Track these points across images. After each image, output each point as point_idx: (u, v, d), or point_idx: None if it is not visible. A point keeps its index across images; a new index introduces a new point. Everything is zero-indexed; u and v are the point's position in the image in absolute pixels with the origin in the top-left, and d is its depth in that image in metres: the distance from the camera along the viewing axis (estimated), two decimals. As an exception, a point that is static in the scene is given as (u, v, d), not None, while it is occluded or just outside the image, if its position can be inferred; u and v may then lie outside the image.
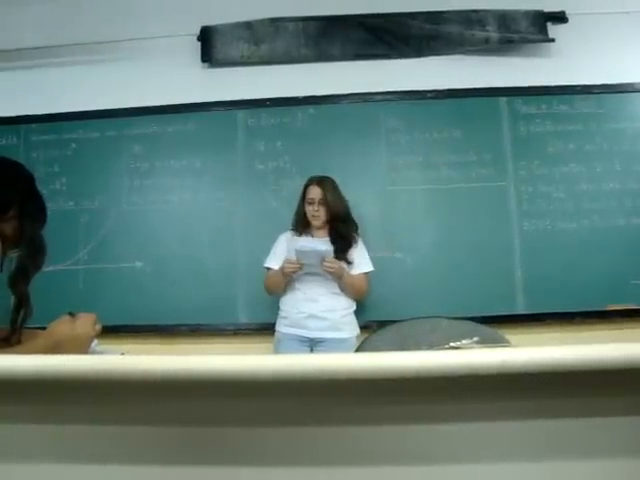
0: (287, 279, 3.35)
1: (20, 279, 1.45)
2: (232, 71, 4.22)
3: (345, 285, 3.35)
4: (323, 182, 3.45)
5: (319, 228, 3.46)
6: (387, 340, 2.06)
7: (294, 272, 3.28)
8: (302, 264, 3.25)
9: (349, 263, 3.36)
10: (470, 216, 3.91)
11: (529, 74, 4.06)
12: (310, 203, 3.41)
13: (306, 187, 3.48)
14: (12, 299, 1.45)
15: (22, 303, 1.45)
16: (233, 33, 4.18)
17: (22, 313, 1.44)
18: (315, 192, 3.41)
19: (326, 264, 3.23)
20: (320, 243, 3.31)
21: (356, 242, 3.45)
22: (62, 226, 3.90)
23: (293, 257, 3.27)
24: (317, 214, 3.39)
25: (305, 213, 3.45)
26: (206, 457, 0.84)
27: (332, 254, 3.27)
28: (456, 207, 3.93)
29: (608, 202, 3.88)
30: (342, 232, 3.42)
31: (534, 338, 3.65)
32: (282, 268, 3.30)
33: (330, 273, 3.27)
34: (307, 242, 3.33)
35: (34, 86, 4.21)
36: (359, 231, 3.54)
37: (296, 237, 3.44)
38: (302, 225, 3.48)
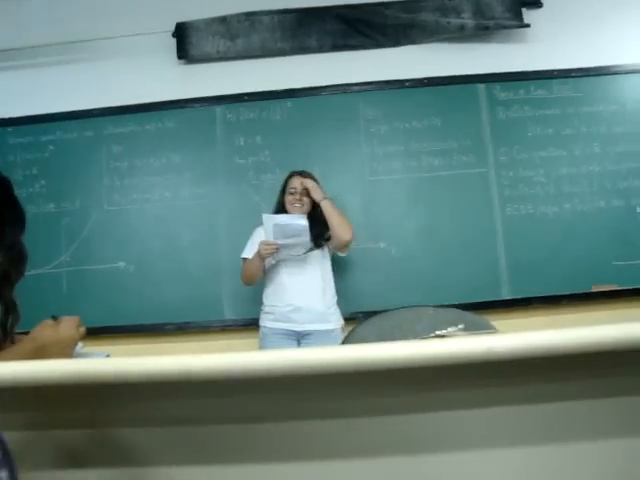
0: (266, 263, 3.33)
1: (4, 285, 1.44)
2: (209, 67, 4.20)
3: (330, 213, 3.31)
4: (305, 174, 3.44)
5: None
6: (373, 331, 2.07)
7: (271, 254, 3.24)
8: (279, 245, 3.21)
9: (328, 240, 3.37)
10: (452, 203, 3.92)
11: (506, 60, 4.08)
12: (292, 193, 3.38)
13: (287, 179, 3.46)
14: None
15: (9, 309, 1.43)
16: (208, 29, 4.16)
17: (10, 319, 1.43)
18: (297, 182, 3.39)
19: (304, 181, 3.33)
20: (298, 218, 3.24)
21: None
22: (43, 229, 3.87)
23: (269, 237, 3.22)
24: (299, 204, 3.35)
25: (284, 204, 3.42)
26: (195, 455, 0.83)
27: (307, 228, 3.20)
28: (438, 195, 3.94)
29: (588, 185, 3.90)
30: (321, 218, 3.36)
31: (521, 323, 3.67)
32: (259, 251, 3.25)
33: (312, 192, 3.32)
34: (285, 217, 3.26)
35: (8, 88, 4.18)
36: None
37: (271, 215, 3.33)
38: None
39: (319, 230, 3.34)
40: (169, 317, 3.86)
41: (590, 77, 4.02)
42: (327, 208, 3.32)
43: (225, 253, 3.89)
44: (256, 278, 3.40)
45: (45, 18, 4.17)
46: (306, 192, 3.37)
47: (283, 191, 3.46)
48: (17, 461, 0.83)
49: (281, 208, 3.43)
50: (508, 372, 0.77)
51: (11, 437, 0.83)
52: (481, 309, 3.04)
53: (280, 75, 4.10)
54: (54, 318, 1.41)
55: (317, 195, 3.32)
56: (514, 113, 4.01)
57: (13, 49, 4.17)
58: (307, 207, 3.38)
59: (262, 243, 3.24)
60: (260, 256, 3.26)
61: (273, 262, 3.36)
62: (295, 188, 3.38)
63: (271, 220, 3.24)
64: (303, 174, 3.44)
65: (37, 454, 0.84)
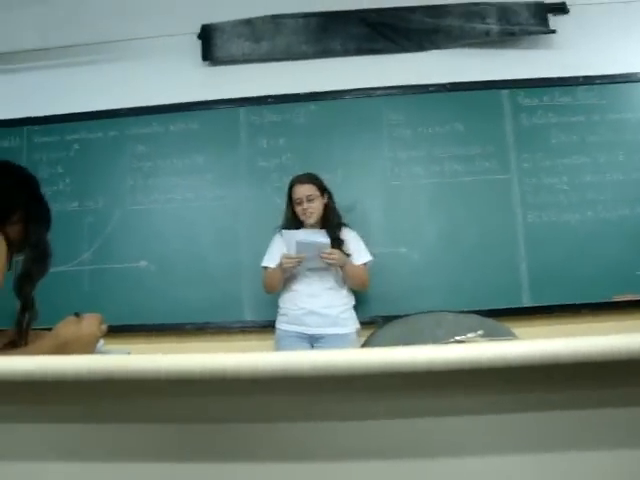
0: (286, 274, 3.33)
1: (25, 283, 1.46)
2: (233, 69, 4.21)
3: (348, 275, 3.33)
4: (302, 179, 3.41)
5: (312, 225, 3.39)
6: (393, 335, 2.07)
7: (294, 267, 3.26)
8: (301, 258, 3.22)
9: (347, 255, 3.34)
10: (474, 209, 3.90)
11: (531, 66, 4.05)
12: (298, 203, 3.36)
13: (290, 188, 3.42)
14: (17, 302, 1.46)
15: (27, 307, 1.45)
16: (233, 31, 4.18)
17: (27, 316, 1.45)
18: (300, 191, 3.36)
19: (324, 255, 3.19)
20: (319, 235, 3.27)
21: (342, 227, 3.43)
22: (66, 227, 3.91)
23: (291, 251, 3.24)
24: (309, 212, 3.34)
25: (295, 213, 3.40)
26: (210, 454, 0.84)
27: (329, 246, 3.22)
28: (460, 200, 3.92)
29: (612, 193, 3.86)
30: (333, 221, 3.39)
31: (540, 331, 3.65)
32: (281, 264, 3.26)
33: (331, 264, 3.25)
34: (307, 235, 3.27)
35: (36, 88, 4.22)
36: (345, 221, 3.50)
37: (292, 230, 3.35)
38: (294, 225, 3.41)
39: (334, 234, 3.33)
40: (189, 317, 3.87)
41: (616, 84, 3.98)
42: (349, 270, 3.33)
43: (246, 255, 3.89)
44: (278, 288, 3.42)
45: (72, 19, 4.20)
46: (312, 198, 3.35)
47: (290, 200, 3.43)
48: (30, 453, 0.84)
49: (292, 218, 3.42)
50: (521, 379, 0.77)
51: (23, 429, 0.84)
52: (501, 316, 3.01)
53: (304, 78, 4.10)
54: (77, 315, 1.42)
55: (338, 264, 3.29)
56: (538, 120, 3.98)
57: (39, 50, 4.23)
58: (319, 211, 3.38)
59: (284, 256, 3.25)
60: (282, 269, 3.28)
61: (294, 271, 3.36)
62: (300, 198, 3.35)
63: (292, 236, 3.26)
64: (304, 178, 3.41)
65: (47, 447, 0.85)
